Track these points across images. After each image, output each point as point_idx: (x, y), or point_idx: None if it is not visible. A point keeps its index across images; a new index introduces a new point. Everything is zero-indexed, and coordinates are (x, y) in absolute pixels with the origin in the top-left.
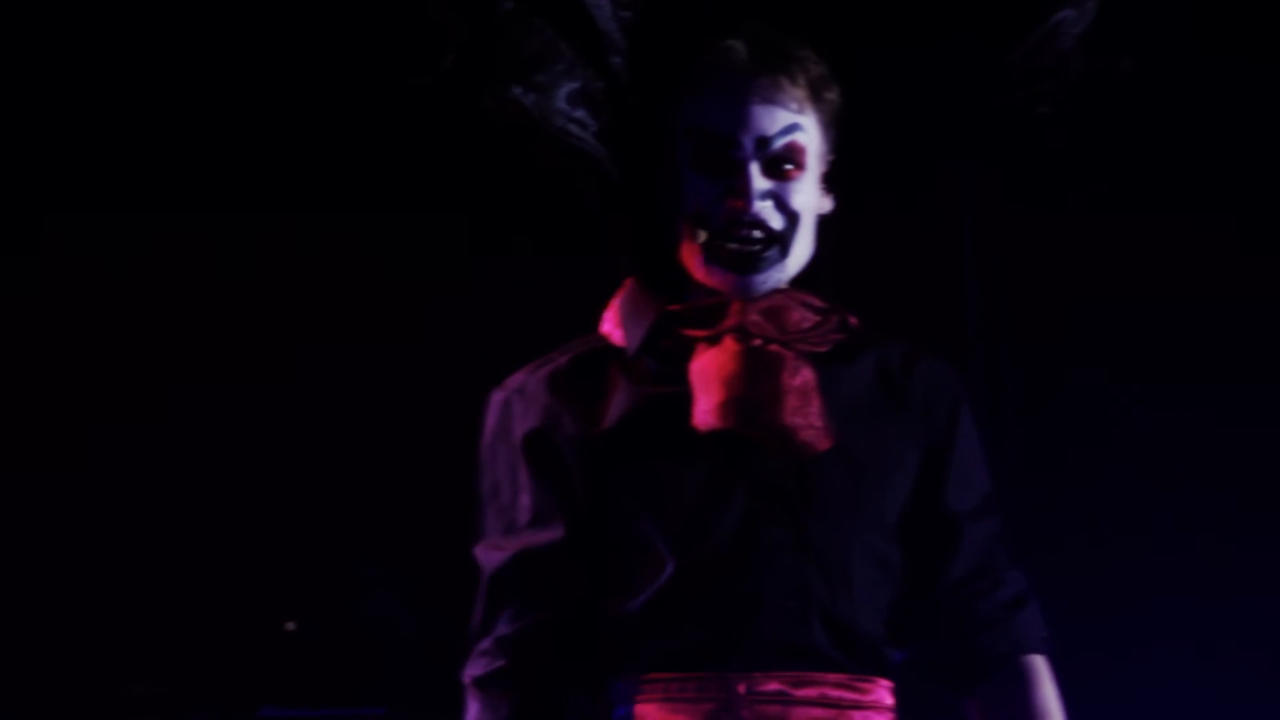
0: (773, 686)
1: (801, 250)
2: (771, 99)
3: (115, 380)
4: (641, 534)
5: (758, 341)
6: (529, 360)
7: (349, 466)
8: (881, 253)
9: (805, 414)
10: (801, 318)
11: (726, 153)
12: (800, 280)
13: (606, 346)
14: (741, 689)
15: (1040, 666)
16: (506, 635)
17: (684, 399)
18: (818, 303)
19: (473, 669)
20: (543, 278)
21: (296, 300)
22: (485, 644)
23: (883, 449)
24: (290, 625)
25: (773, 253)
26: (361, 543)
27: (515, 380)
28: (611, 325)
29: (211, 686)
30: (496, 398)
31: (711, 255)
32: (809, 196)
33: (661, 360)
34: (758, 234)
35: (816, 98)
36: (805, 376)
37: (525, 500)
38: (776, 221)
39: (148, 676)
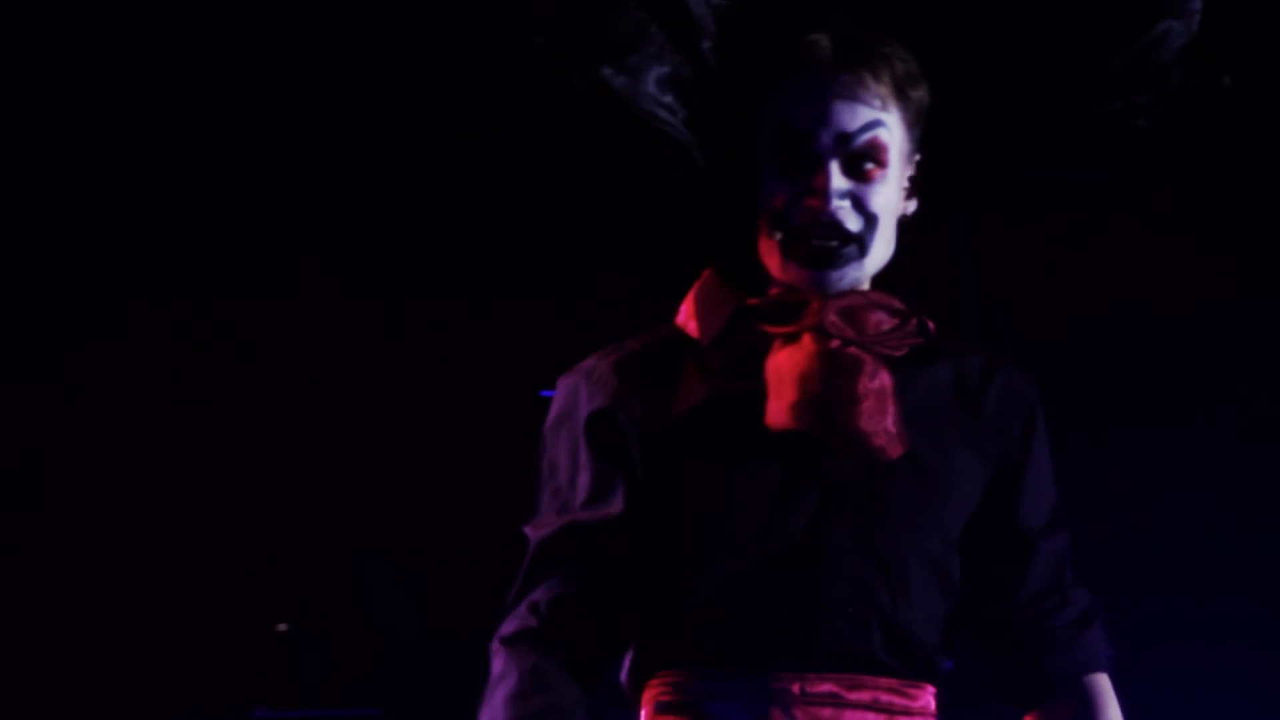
0: (826, 688)
1: (881, 251)
2: (854, 95)
3: (110, 379)
4: (705, 528)
5: (836, 343)
6: (537, 362)
7: (353, 464)
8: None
9: (880, 419)
10: (880, 320)
11: (806, 148)
12: (880, 281)
13: (682, 337)
14: (796, 689)
15: (1105, 686)
16: (543, 600)
17: (758, 395)
18: (897, 305)
19: (504, 629)
20: (557, 281)
21: (303, 296)
22: (520, 607)
23: (952, 459)
24: (282, 626)
25: (850, 250)
26: (365, 541)
27: (585, 364)
28: (687, 316)
29: (206, 687)
30: (565, 381)
31: (788, 251)
32: (889, 197)
33: (737, 355)
34: (835, 237)
35: (901, 95)
36: (882, 381)
37: (584, 479)
38: (854, 223)
39: (143, 676)
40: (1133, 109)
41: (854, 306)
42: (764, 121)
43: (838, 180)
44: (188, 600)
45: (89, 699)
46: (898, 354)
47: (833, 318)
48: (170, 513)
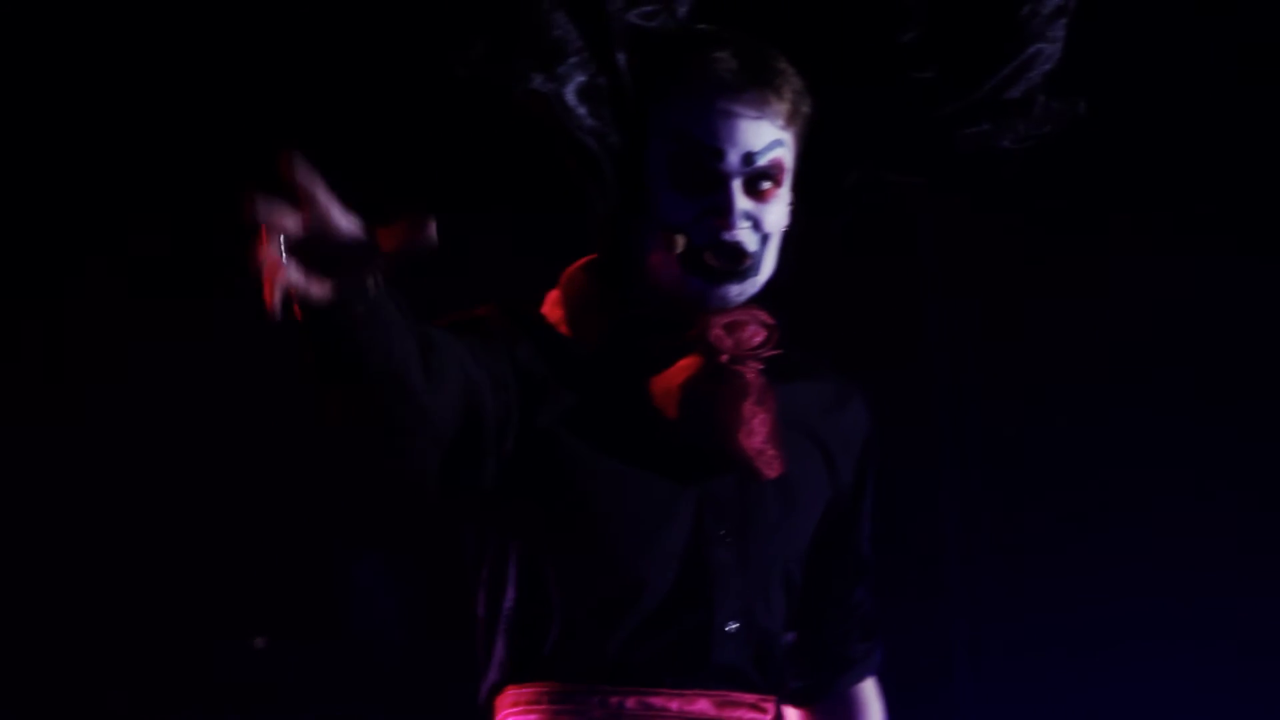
0: (701, 706)
1: (769, 267)
2: (759, 113)
3: (101, 383)
4: (586, 538)
5: (724, 357)
6: None
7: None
8: (840, 264)
9: (763, 438)
10: (754, 333)
11: (711, 165)
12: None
13: (554, 329)
14: (675, 706)
15: (874, 691)
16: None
17: (642, 405)
18: (767, 318)
19: None
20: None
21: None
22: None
23: (810, 479)
24: (259, 641)
25: (747, 268)
26: (360, 548)
27: (504, 306)
28: (556, 312)
29: (188, 700)
30: (487, 308)
31: (690, 266)
32: (780, 214)
33: (619, 361)
34: (734, 259)
35: (796, 113)
36: (768, 402)
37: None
38: (753, 243)
39: (125, 687)
40: (1000, 129)
41: (736, 320)
42: (666, 135)
43: (740, 201)
44: (162, 609)
45: (73, 707)
46: (760, 366)
47: (718, 331)
48: (144, 515)
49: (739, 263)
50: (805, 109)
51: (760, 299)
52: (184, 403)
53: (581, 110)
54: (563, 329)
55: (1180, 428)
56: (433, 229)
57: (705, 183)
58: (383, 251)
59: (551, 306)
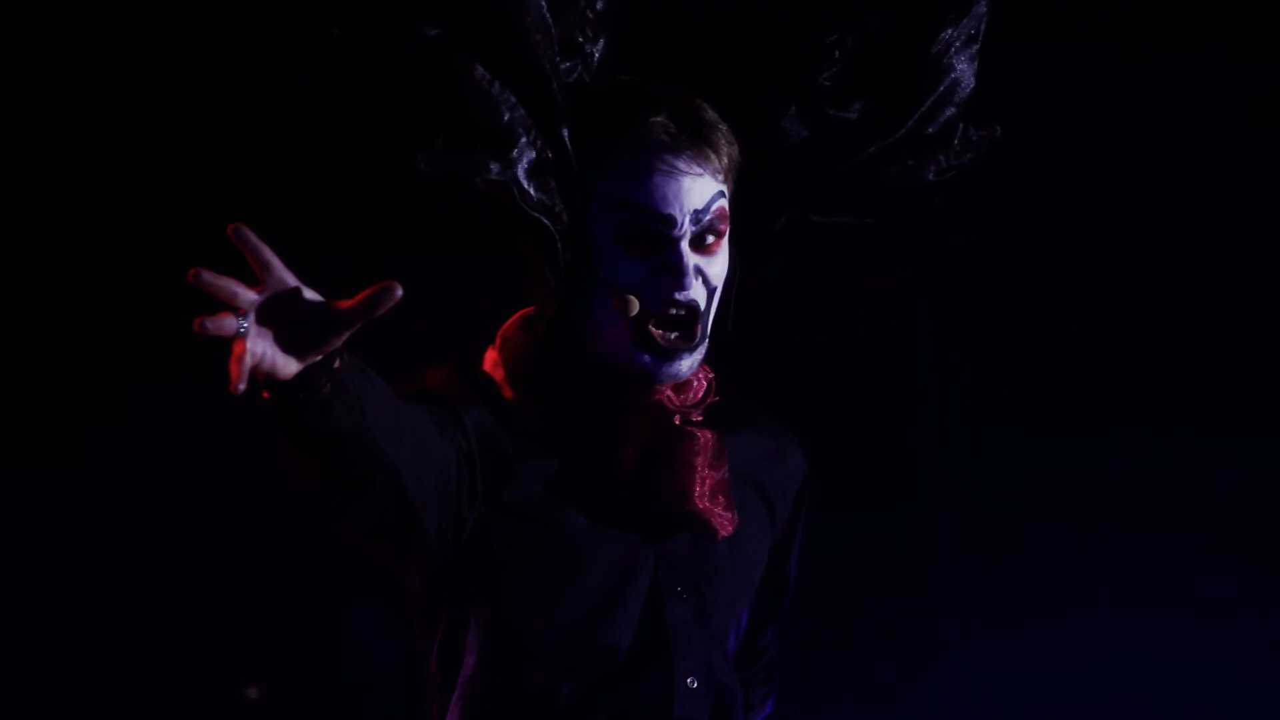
0: None
1: (712, 320)
2: (701, 169)
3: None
4: (547, 601)
5: (677, 419)
6: None
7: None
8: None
9: (717, 499)
10: (697, 387)
11: (660, 229)
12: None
13: (503, 395)
14: None
15: None
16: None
17: (597, 468)
18: (707, 370)
19: None
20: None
21: None
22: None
23: (755, 534)
24: (253, 692)
25: (696, 338)
26: (356, 591)
27: (455, 372)
28: (498, 373)
29: None
30: (442, 371)
31: (640, 340)
32: (724, 266)
33: (569, 424)
34: (684, 314)
35: (731, 162)
36: (721, 461)
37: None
38: (701, 298)
39: None
40: (923, 164)
41: (684, 380)
42: (610, 202)
43: (689, 258)
44: (156, 660)
45: None
46: (697, 417)
47: (668, 393)
48: (137, 565)
49: (690, 331)
50: (736, 155)
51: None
52: (181, 447)
53: (530, 187)
54: (506, 392)
55: (1181, 452)
56: (397, 294)
57: (654, 245)
58: (345, 322)
59: (492, 368)
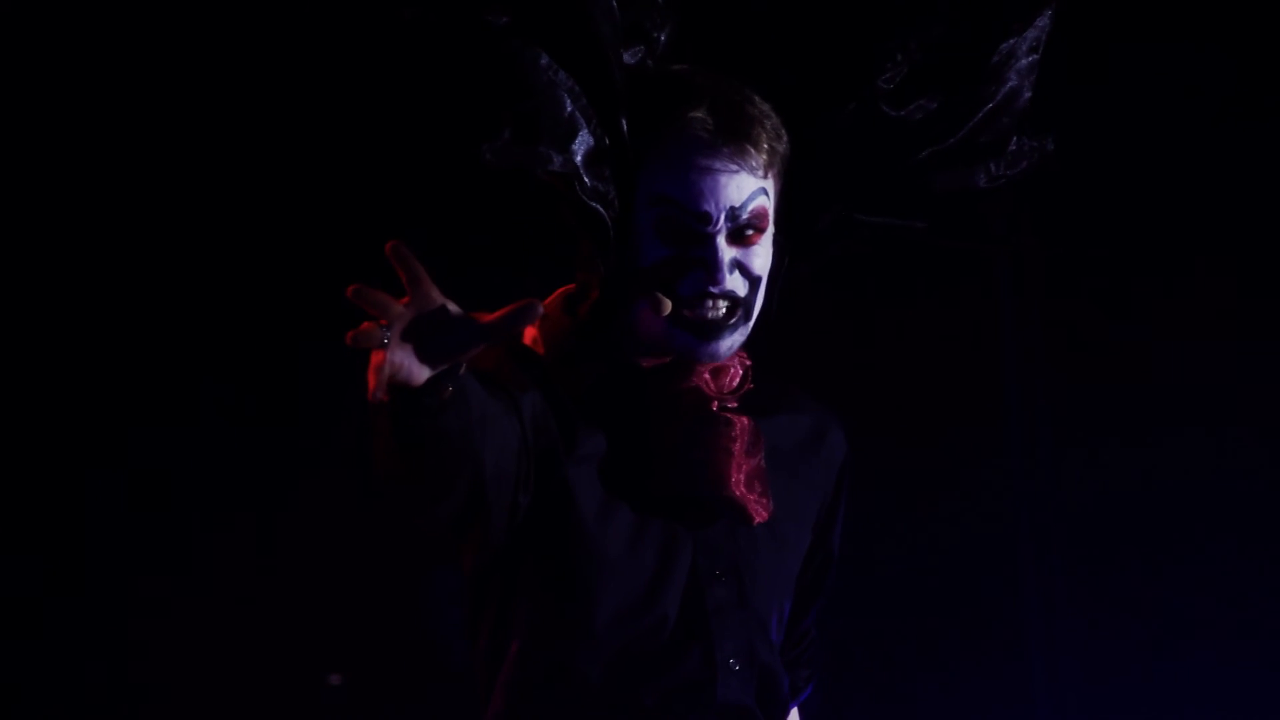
0: None
1: (758, 311)
2: (739, 167)
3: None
4: (593, 581)
5: (715, 405)
6: None
7: None
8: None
9: (755, 486)
10: (734, 374)
11: (696, 225)
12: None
13: (551, 379)
14: None
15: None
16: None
17: (640, 453)
18: (745, 359)
19: None
20: None
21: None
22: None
23: (796, 518)
24: (335, 679)
25: (737, 318)
26: (435, 563)
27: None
28: (539, 352)
29: None
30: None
31: (676, 320)
32: (767, 258)
33: (614, 409)
34: (724, 304)
35: (775, 156)
36: (758, 447)
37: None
38: (741, 289)
39: None
40: (975, 170)
41: (720, 366)
42: (650, 197)
43: (726, 252)
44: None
45: None
46: (733, 404)
47: (705, 378)
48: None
49: (727, 308)
50: (782, 149)
51: (753, 344)
52: (252, 429)
53: (588, 176)
54: (550, 373)
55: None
56: (539, 311)
57: (691, 239)
58: (483, 334)
59: (533, 345)
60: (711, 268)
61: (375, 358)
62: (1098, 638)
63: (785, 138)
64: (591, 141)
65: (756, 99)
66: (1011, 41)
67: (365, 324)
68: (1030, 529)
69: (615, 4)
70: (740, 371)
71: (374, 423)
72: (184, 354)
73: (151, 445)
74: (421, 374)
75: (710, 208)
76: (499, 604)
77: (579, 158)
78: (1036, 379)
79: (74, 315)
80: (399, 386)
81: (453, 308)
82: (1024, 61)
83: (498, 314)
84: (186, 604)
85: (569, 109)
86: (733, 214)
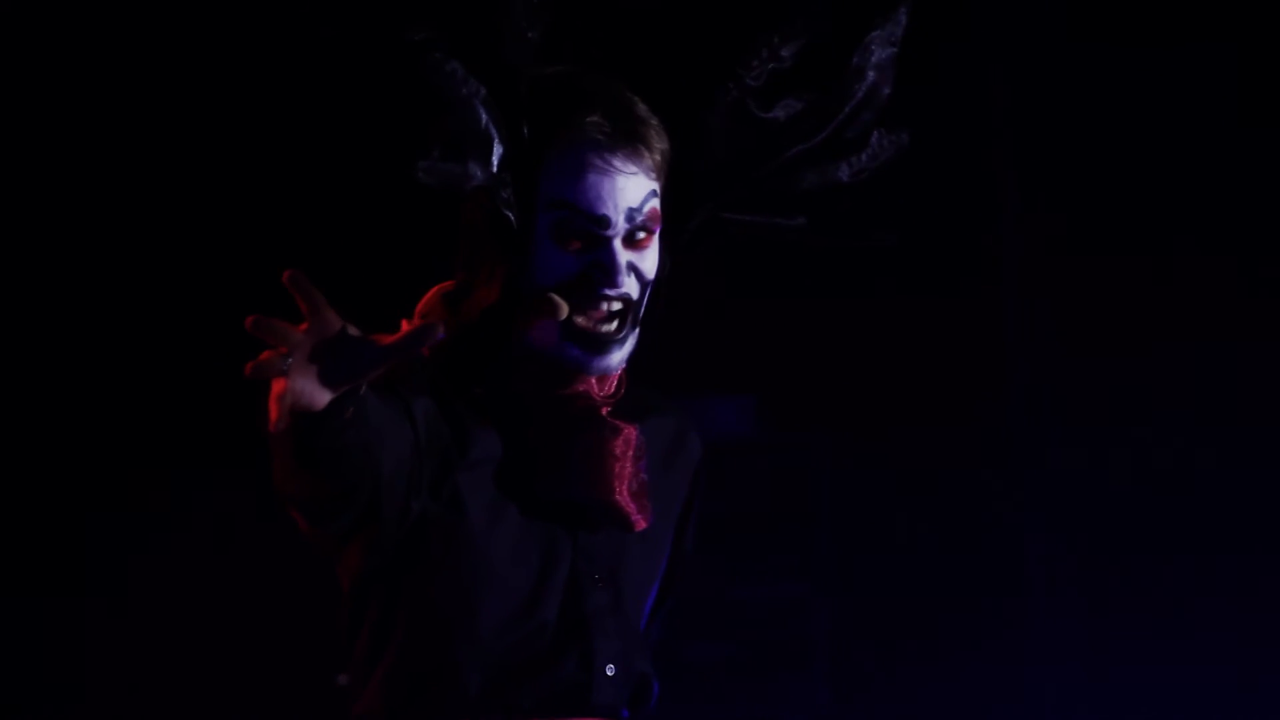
0: None
1: (642, 313)
2: (635, 169)
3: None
4: (474, 584)
5: (604, 411)
6: None
7: None
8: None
9: (638, 495)
10: (612, 379)
11: (594, 229)
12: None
13: (440, 381)
14: None
15: None
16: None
17: (523, 458)
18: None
19: None
20: None
21: None
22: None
23: (665, 519)
24: (343, 679)
25: (625, 329)
26: None
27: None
28: (427, 352)
29: None
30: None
31: (568, 333)
32: (655, 259)
33: (500, 415)
34: (617, 305)
35: (663, 157)
36: (643, 458)
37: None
38: (634, 292)
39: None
40: (840, 166)
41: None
42: (546, 201)
43: (622, 255)
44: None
45: None
46: (606, 407)
47: (592, 381)
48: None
49: (623, 321)
50: (667, 151)
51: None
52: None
53: (501, 186)
54: (438, 376)
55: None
56: (438, 333)
57: (589, 244)
58: (385, 356)
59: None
60: (610, 270)
61: (276, 386)
62: (1101, 635)
63: (667, 141)
64: (502, 151)
65: (642, 103)
66: (871, 36)
67: (264, 353)
68: (1035, 526)
69: (521, 10)
70: (618, 377)
71: (273, 445)
72: (185, 354)
73: (151, 446)
74: (323, 398)
75: (609, 210)
76: (381, 607)
77: (495, 168)
78: (1042, 374)
79: (74, 316)
80: (300, 411)
81: (352, 331)
82: (883, 57)
83: (397, 335)
84: (186, 605)
85: (484, 121)
86: (630, 215)
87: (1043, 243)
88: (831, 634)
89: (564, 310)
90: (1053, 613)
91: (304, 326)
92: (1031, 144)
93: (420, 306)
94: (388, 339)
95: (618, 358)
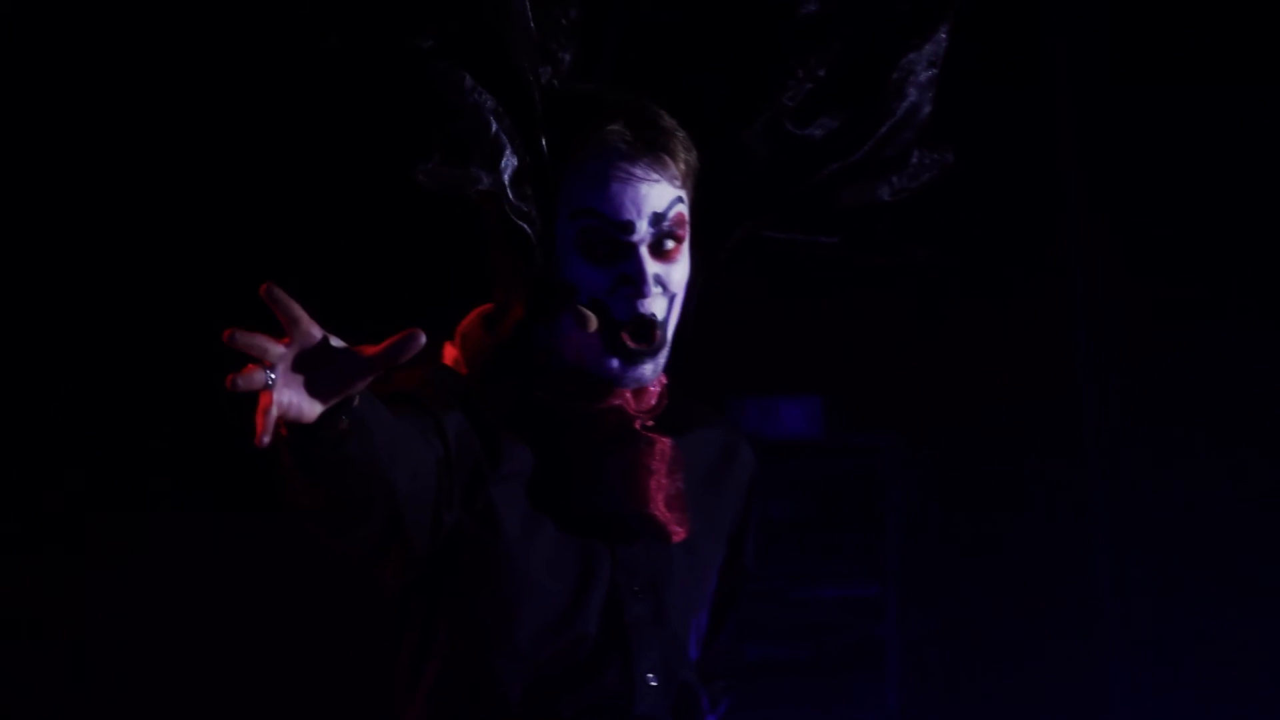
0: None
1: (674, 327)
2: (659, 176)
3: None
4: (512, 597)
5: (638, 424)
6: None
7: None
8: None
9: (675, 505)
10: (653, 393)
11: (620, 236)
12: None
13: (473, 398)
14: None
15: None
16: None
17: (562, 469)
18: (661, 377)
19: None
20: None
21: None
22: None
23: (712, 533)
24: None
25: (659, 344)
26: None
27: (430, 375)
28: (462, 372)
29: None
30: (419, 373)
31: (610, 346)
32: (685, 272)
33: (535, 424)
34: (648, 318)
35: (689, 168)
36: (679, 470)
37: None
38: (661, 310)
39: None
40: (879, 185)
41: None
42: (570, 211)
43: (650, 266)
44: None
45: None
46: (650, 421)
47: (628, 395)
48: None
49: (651, 340)
50: (694, 162)
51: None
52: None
53: (513, 195)
54: (472, 392)
55: None
56: (420, 341)
57: (615, 253)
58: (368, 367)
59: (454, 365)
60: (638, 280)
61: (262, 400)
62: (1172, 636)
63: (694, 152)
64: (516, 162)
65: (667, 116)
66: (911, 57)
67: (247, 367)
68: (1104, 526)
69: (533, 27)
70: (659, 390)
71: (278, 457)
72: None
73: (152, 446)
74: (313, 410)
75: (632, 215)
76: (423, 618)
77: (505, 176)
78: (1110, 373)
79: (73, 317)
80: (293, 424)
81: (335, 342)
82: (923, 76)
83: (381, 345)
84: (187, 606)
85: (494, 129)
86: (655, 220)
87: (1110, 241)
88: (901, 635)
89: (593, 323)
90: (1122, 613)
91: (285, 340)
92: (1097, 143)
93: (460, 327)
94: (371, 349)
95: (650, 369)
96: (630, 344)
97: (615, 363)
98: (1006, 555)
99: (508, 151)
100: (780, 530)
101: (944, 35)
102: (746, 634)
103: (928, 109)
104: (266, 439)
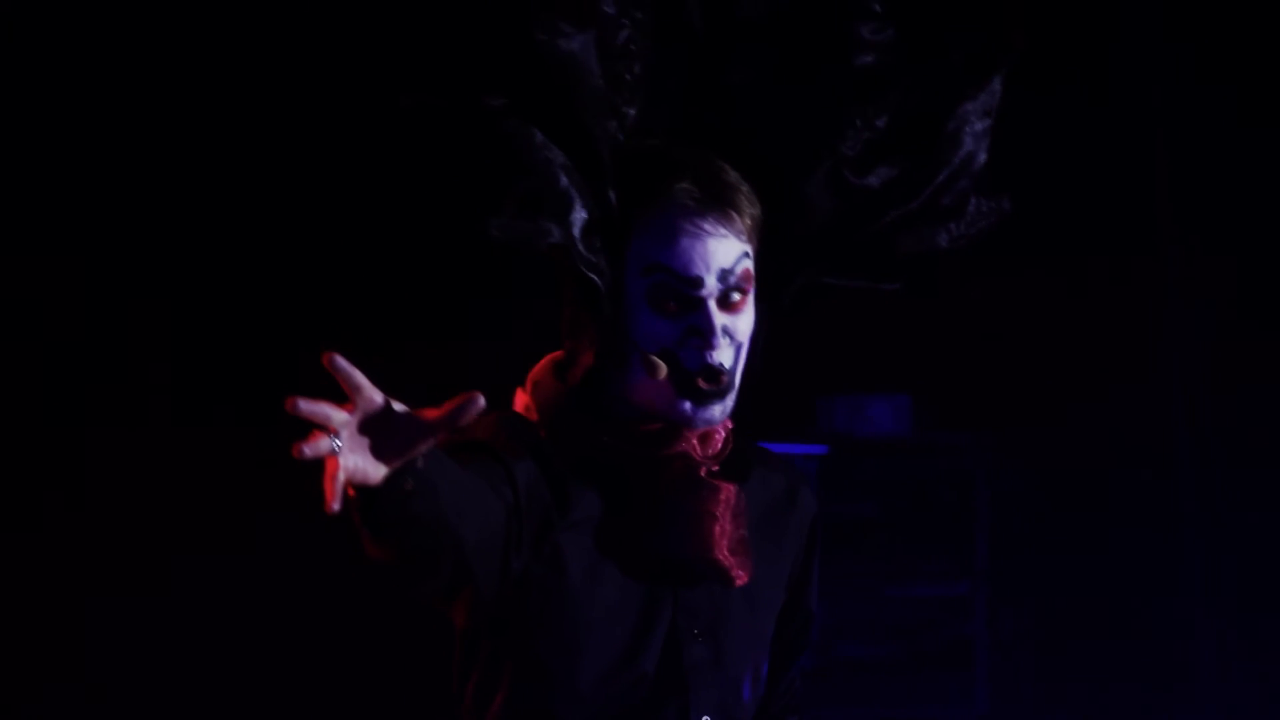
0: None
1: (740, 376)
2: (726, 232)
3: None
4: (574, 642)
5: (703, 471)
6: None
7: None
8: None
9: (738, 551)
10: (718, 438)
11: (689, 291)
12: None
13: (543, 445)
14: None
15: None
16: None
17: (627, 514)
18: (728, 422)
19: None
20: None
21: None
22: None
23: (773, 577)
24: None
25: (725, 388)
26: None
27: (505, 423)
28: (531, 417)
29: None
30: (498, 420)
31: (682, 389)
32: (750, 322)
33: (602, 471)
34: (716, 367)
35: (754, 221)
36: (741, 514)
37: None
38: (728, 359)
39: None
40: (937, 232)
41: (708, 431)
42: (641, 266)
43: (718, 318)
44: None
45: None
46: (715, 466)
47: (694, 443)
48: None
49: (719, 383)
50: (758, 215)
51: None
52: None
53: (583, 248)
54: (542, 437)
55: None
56: (480, 404)
57: (684, 307)
58: (432, 430)
59: (525, 411)
60: (706, 333)
61: (330, 466)
62: (1263, 637)
63: (758, 206)
64: (585, 215)
65: (731, 170)
66: (966, 107)
67: (313, 434)
68: (1194, 525)
69: (601, 84)
70: (724, 435)
71: (348, 517)
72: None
73: (153, 447)
74: (378, 473)
75: (701, 271)
76: (488, 657)
77: (575, 230)
78: (1204, 376)
79: (74, 317)
80: (359, 487)
81: (398, 407)
82: (979, 126)
83: (442, 409)
84: (186, 607)
85: (563, 183)
86: (723, 276)
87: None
88: (990, 634)
89: (662, 371)
90: (1213, 613)
91: (349, 406)
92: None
93: (532, 374)
94: (432, 413)
95: (719, 411)
96: (702, 385)
97: (687, 405)
98: (1096, 553)
99: (577, 205)
100: (869, 529)
101: (998, 86)
102: (837, 632)
103: (983, 158)
104: (336, 505)
